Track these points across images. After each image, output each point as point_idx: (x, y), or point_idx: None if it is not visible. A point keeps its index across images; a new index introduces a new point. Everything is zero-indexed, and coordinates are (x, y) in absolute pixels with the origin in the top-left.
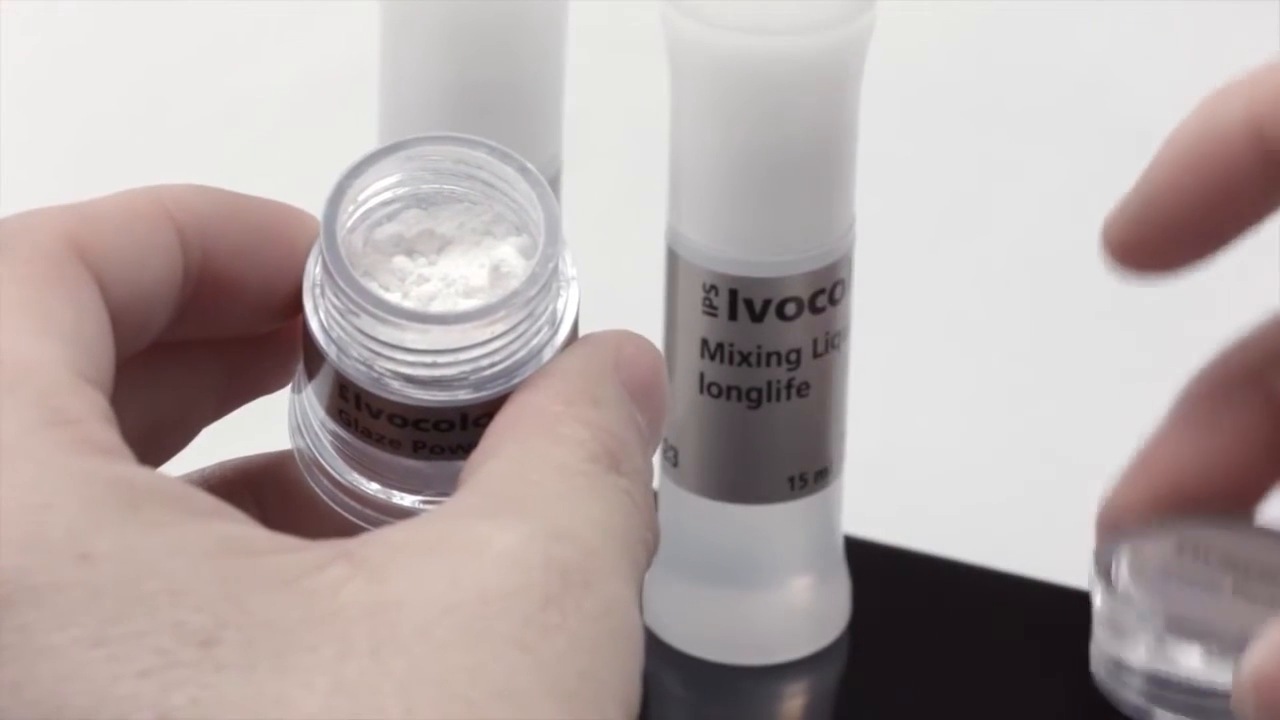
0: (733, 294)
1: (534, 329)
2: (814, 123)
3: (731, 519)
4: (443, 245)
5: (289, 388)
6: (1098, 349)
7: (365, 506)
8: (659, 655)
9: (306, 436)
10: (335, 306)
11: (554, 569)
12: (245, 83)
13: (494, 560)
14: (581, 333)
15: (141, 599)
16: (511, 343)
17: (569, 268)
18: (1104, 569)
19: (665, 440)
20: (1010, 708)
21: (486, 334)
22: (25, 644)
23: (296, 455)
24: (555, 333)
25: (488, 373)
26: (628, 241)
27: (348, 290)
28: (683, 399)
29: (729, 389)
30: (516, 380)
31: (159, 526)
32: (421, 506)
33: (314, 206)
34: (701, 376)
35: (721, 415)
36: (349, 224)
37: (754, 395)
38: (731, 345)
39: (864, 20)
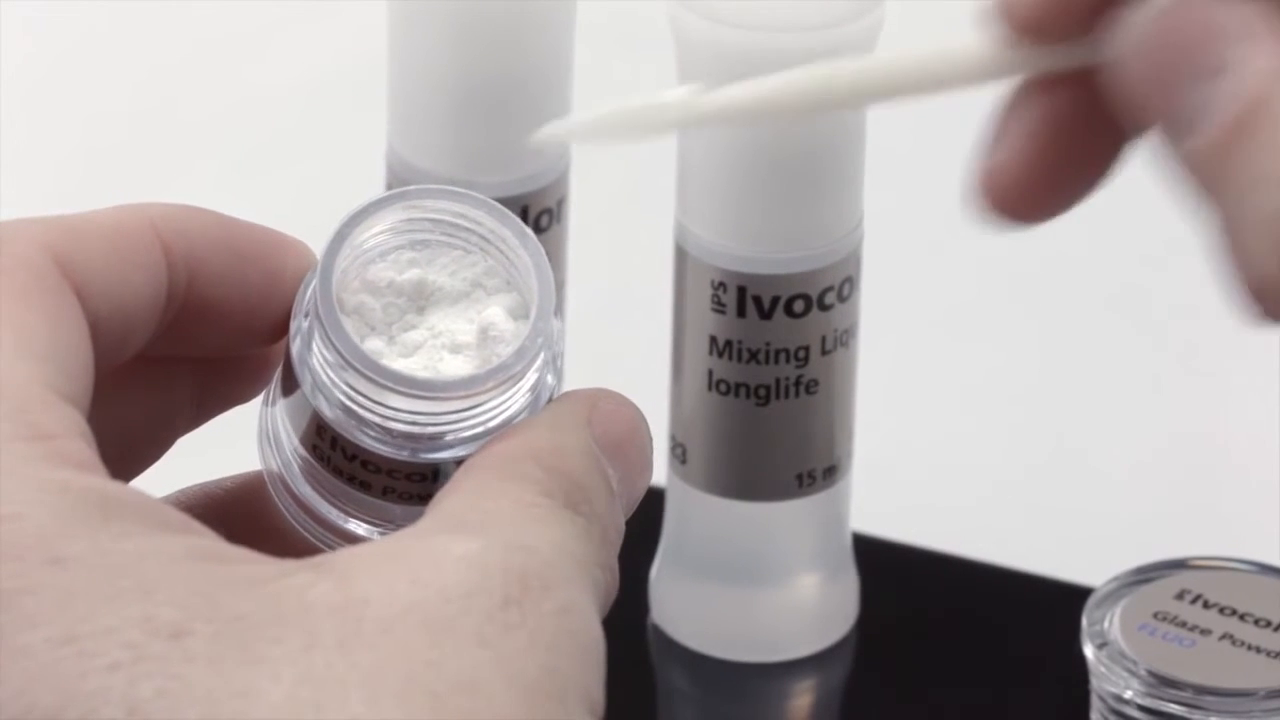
0: (741, 291)
1: (517, 397)
2: (822, 120)
3: (739, 516)
4: (433, 292)
5: (260, 399)
6: (1106, 347)
7: (326, 530)
8: (666, 652)
9: (276, 454)
10: (326, 360)
11: (513, 572)
12: (254, 79)
13: (454, 563)
14: (582, 330)
15: (111, 597)
16: (494, 407)
17: (557, 334)
18: (1096, 620)
19: (673, 437)
20: (1018, 704)
21: (471, 401)
22: None
23: (264, 468)
24: (536, 401)
25: (467, 434)
26: (636, 238)
27: (341, 349)
28: (690, 396)
29: (737, 386)
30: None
31: (130, 535)
32: (378, 538)
33: (319, 206)
34: (709, 374)
35: (729, 412)
36: (342, 264)
37: (762, 392)
38: (740, 342)
39: (872, 17)
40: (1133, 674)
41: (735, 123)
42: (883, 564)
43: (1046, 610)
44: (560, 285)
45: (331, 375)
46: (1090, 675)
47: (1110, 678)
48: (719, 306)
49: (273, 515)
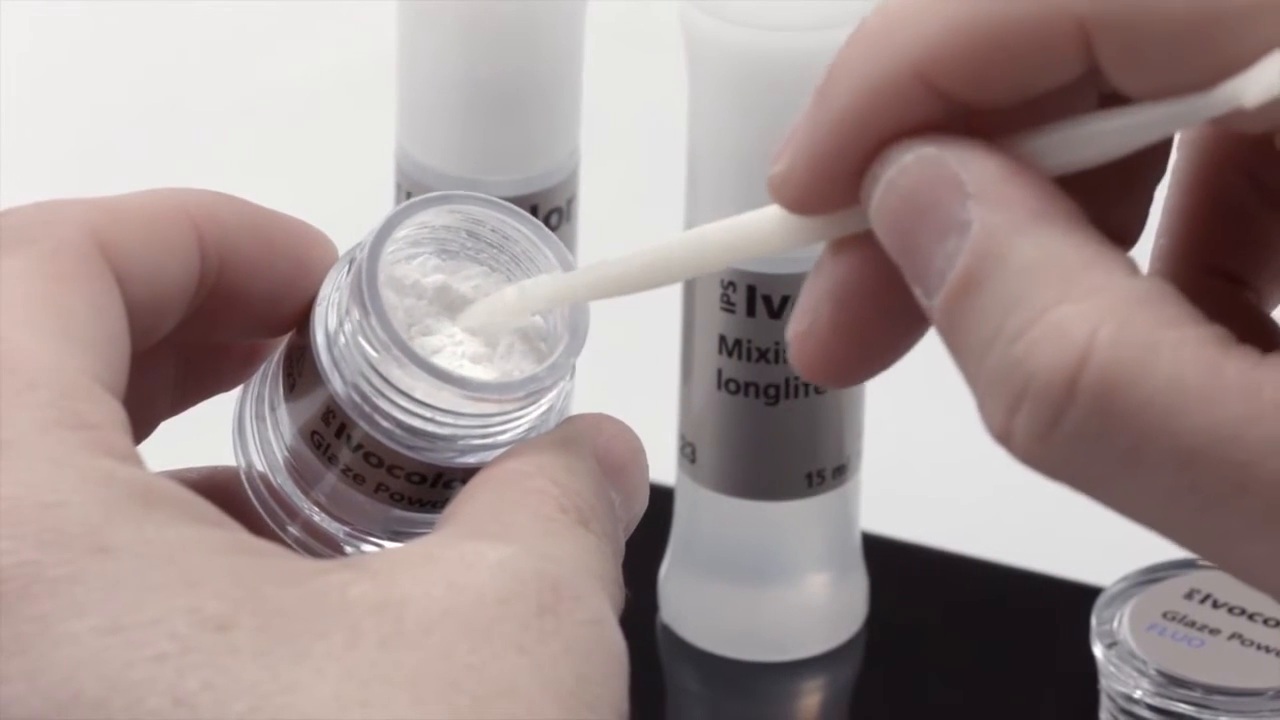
0: (750, 290)
1: (529, 418)
2: None
3: (749, 515)
4: (453, 300)
5: (237, 403)
6: None
7: (298, 524)
8: (676, 651)
9: (261, 450)
10: (358, 344)
11: (546, 581)
12: (264, 77)
13: (489, 569)
14: (591, 330)
15: (157, 587)
16: (510, 419)
17: (569, 389)
18: (1105, 620)
19: (683, 437)
20: (1027, 704)
21: (494, 408)
22: (43, 633)
23: (242, 464)
24: (545, 421)
25: (477, 441)
26: (645, 237)
27: (385, 333)
28: (700, 395)
29: (746, 385)
30: (498, 453)
31: (172, 526)
32: (347, 538)
33: (329, 204)
34: (719, 373)
35: (739, 411)
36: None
37: (771, 392)
38: (749, 341)
39: None
40: (1142, 673)
41: (601, 298)
42: (892, 563)
43: (1056, 610)
44: None
45: (360, 359)
46: (1100, 675)
47: (1120, 677)
48: (728, 306)
49: (235, 512)
